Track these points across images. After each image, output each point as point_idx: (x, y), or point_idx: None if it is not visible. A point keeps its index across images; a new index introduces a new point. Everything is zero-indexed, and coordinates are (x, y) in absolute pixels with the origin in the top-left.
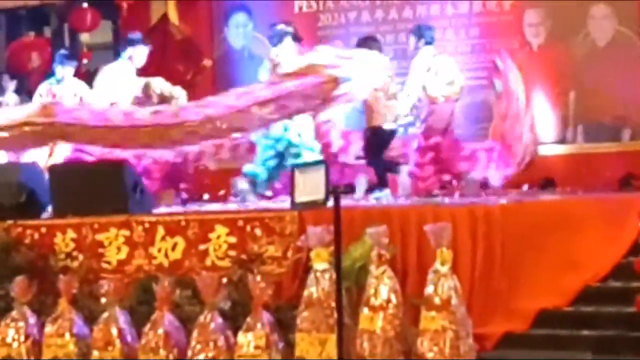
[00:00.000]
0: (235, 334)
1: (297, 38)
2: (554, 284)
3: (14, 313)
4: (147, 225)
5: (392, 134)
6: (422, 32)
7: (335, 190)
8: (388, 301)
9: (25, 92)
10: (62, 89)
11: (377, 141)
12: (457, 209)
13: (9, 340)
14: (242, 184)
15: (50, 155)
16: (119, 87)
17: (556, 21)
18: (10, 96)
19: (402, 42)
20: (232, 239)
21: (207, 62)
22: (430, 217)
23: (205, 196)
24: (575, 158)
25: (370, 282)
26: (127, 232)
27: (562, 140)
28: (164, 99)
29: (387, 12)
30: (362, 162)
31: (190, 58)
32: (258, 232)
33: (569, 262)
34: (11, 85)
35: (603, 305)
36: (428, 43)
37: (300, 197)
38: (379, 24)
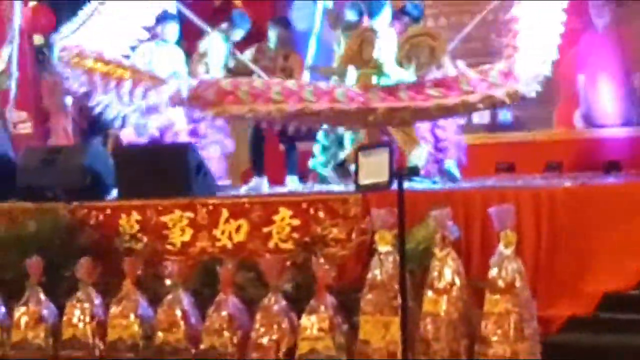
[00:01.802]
0: (299, 317)
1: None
2: (618, 267)
3: (79, 294)
4: (211, 207)
5: None
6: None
7: (399, 172)
8: (452, 284)
9: None
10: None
11: None
12: (521, 191)
13: (74, 320)
14: None
15: None
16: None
17: (621, 2)
18: None
19: None
20: (296, 222)
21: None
22: (494, 200)
23: None
24: None
25: (434, 265)
26: (191, 214)
27: (627, 123)
28: None
29: None
30: None
31: (252, 38)
32: (322, 214)
33: (634, 245)
34: None
35: None
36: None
37: (364, 180)
38: None
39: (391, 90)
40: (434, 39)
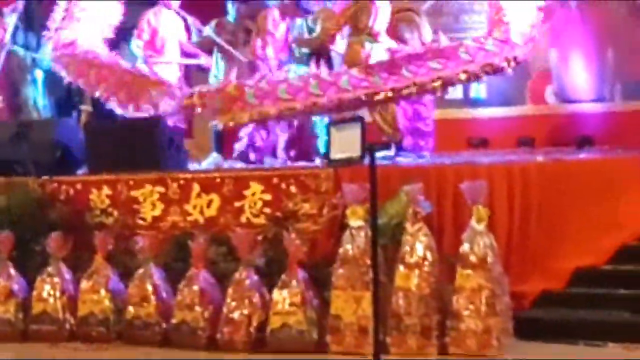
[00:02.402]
0: (270, 291)
1: None
2: (591, 243)
3: (49, 269)
4: (182, 182)
5: None
6: None
7: (371, 147)
8: (424, 258)
9: None
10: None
11: None
12: (494, 166)
13: (45, 295)
14: None
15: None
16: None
17: None
18: None
19: None
20: (267, 196)
21: None
22: (467, 175)
23: None
24: (613, 116)
25: (406, 240)
26: (162, 189)
27: (599, 99)
28: None
29: None
30: None
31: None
32: (293, 189)
33: (606, 220)
34: None
35: None
36: None
37: (336, 154)
38: None
39: (392, 70)
40: (418, 14)
